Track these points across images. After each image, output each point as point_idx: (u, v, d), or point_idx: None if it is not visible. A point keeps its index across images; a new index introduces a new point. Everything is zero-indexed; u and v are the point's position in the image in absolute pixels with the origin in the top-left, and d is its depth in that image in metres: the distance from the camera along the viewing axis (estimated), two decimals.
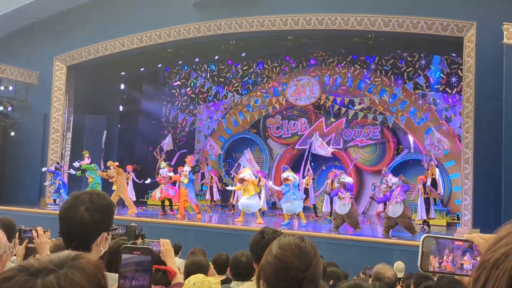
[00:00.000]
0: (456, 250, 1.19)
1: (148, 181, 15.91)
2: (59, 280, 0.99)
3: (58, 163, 16.36)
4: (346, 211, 11.93)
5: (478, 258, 1.17)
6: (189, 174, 14.00)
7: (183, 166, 14.47)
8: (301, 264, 1.73)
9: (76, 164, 15.56)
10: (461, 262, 1.19)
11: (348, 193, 12.06)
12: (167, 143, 18.58)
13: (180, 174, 14.16)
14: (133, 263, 1.33)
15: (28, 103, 17.30)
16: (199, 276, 3.24)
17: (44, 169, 16.26)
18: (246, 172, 13.53)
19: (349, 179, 12.53)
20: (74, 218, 2.05)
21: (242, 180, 13.32)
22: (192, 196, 14.16)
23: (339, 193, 12.10)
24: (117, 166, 14.86)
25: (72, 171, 15.76)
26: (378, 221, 15.78)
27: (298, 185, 14.29)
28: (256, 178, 14.03)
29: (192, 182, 14.25)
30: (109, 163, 14.94)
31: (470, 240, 1.18)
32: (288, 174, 13.62)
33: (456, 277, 1.21)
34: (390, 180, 11.67)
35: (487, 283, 0.80)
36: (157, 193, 14.72)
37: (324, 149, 16.44)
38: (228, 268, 4.31)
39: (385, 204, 15.76)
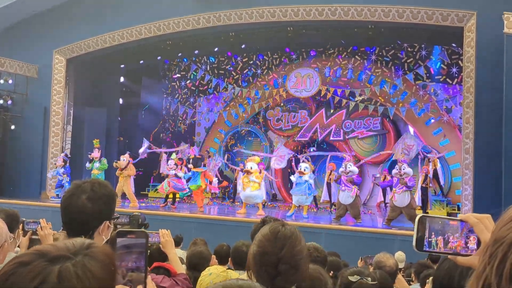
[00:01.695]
0: (451, 231, 1.20)
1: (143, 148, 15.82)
2: (76, 268, 1.00)
3: (66, 154, 16.18)
4: (351, 201, 11.95)
5: (473, 238, 1.18)
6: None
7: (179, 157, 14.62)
8: (274, 248, 1.78)
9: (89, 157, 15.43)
10: (456, 242, 1.19)
11: (355, 186, 12.09)
12: (142, 152, 17.59)
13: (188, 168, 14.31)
14: (128, 246, 1.34)
15: (28, 96, 17.29)
16: (220, 268, 3.24)
17: (49, 174, 16.11)
18: (253, 163, 13.44)
19: (354, 168, 12.49)
20: (76, 207, 2.05)
21: (248, 172, 13.26)
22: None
23: (345, 186, 12.05)
24: (132, 163, 14.90)
25: (88, 164, 15.56)
26: (378, 212, 15.83)
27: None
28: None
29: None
30: (124, 157, 14.91)
31: (464, 220, 1.19)
32: (305, 166, 13.25)
33: (449, 257, 1.22)
34: (404, 169, 11.58)
35: (506, 258, 0.80)
36: (164, 185, 14.71)
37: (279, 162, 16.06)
38: (230, 258, 4.33)
39: (384, 195, 15.89)
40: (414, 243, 1.21)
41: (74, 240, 1.08)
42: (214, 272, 3.18)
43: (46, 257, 1.00)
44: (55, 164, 16.04)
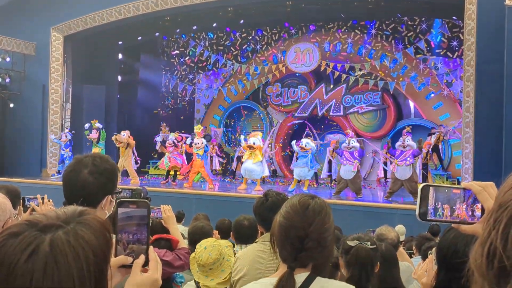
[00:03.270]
0: (455, 199, 1.19)
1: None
2: (67, 236, 0.98)
3: (70, 130, 16.06)
4: (351, 176, 11.97)
5: (477, 206, 1.17)
6: (205, 146, 13.99)
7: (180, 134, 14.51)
8: (303, 222, 1.74)
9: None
10: (459, 210, 1.19)
11: (356, 160, 12.09)
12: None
13: (192, 146, 14.13)
14: (130, 217, 1.31)
15: (26, 74, 17.20)
16: (211, 240, 3.25)
17: (56, 138, 16.04)
18: (257, 138, 13.34)
19: (357, 145, 12.48)
20: (77, 181, 2.04)
21: (251, 147, 13.20)
22: (208, 168, 14.25)
23: (347, 161, 12.06)
24: (130, 136, 14.82)
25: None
26: (378, 187, 15.89)
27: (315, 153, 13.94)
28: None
29: (206, 153, 14.24)
30: (124, 133, 14.83)
31: (468, 187, 1.18)
32: (307, 142, 13.19)
33: (453, 225, 1.21)
34: (407, 141, 11.58)
35: (511, 222, 0.79)
36: (165, 161, 14.68)
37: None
38: (231, 232, 4.35)
39: (385, 170, 15.92)
40: (417, 212, 1.20)
41: (65, 208, 1.06)
42: (207, 245, 3.20)
43: (36, 226, 0.98)
44: (60, 139, 15.97)
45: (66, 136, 15.70)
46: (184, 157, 14.90)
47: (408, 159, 11.34)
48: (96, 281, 1.00)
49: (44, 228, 0.98)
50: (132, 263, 1.30)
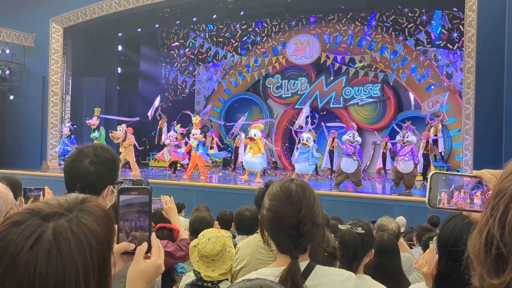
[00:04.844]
0: (465, 187, 1.19)
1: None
2: (70, 224, 0.98)
3: (73, 124, 16.02)
4: (353, 170, 11.98)
5: (488, 194, 1.17)
6: (200, 142, 14.01)
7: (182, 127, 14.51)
8: (291, 209, 1.71)
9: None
10: (470, 198, 1.18)
11: (357, 157, 12.11)
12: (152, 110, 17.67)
13: (189, 138, 14.15)
14: (132, 204, 1.31)
15: (26, 66, 17.17)
16: (214, 231, 3.25)
17: (57, 149, 15.96)
18: (257, 131, 13.34)
19: (359, 138, 12.48)
20: (79, 171, 2.04)
21: (251, 139, 13.19)
22: (206, 159, 14.32)
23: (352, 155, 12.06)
24: (131, 133, 14.84)
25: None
26: (378, 178, 15.90)
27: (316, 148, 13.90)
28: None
29: (203, 144, 14.25)
30: (120, 127, 14.82)
31: (479, 176, 1.18)
32: (308, 136, 13.12)
33: (464, 213, 1.21)
34: (407, 137, 11.58)
35: (508, 209, 0.79)
36: (165, 155, 14.70)
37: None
38: (233, 223, 4.36)
39: (384, 161, 15.93)
40: (426, 200, 1.20)
41: (67, 196, 1.06)
42: (211, 236, 3.20)
43: (39, 215, 0.98)
44: (61, 132, 15.96)
45: (68, 130, 15.64)
46: (184, 149, 14.91)
47: (408, 154, 11.36)
48: (100, 269, 1.01)
49: (47, 217, 0.98)
50: (135, 249, 1.30)
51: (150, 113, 16.74)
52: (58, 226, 0.97)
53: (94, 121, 15.13)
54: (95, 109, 15.49)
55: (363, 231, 2.61)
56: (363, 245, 2.62)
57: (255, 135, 13.15)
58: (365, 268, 2.76)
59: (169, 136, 15.01)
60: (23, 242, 0.94)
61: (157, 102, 17.03)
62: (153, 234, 1.33)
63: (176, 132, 15.09)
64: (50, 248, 0.94)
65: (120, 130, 14.60)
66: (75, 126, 16.06)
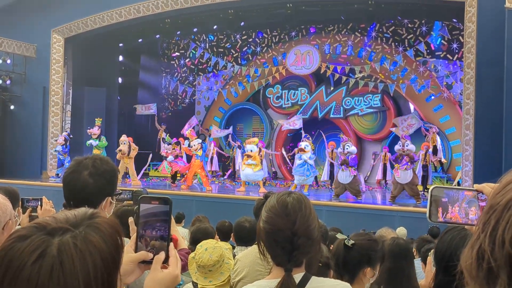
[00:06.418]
0: (465, 200, 1.19)
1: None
2: (75, 240, 0.98)
3: (69, 134, 15.95)
4: (349, 181, 11.95)
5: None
6: (203, 144, 13.99)
7: (183, 138, 14.51)
8: (286, 222, 1.72)
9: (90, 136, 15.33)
10: (466, 212, 1.18)
11: (351, 167, 12.06)
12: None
13: (191, 148, 14.12)
14: (152, 214, 1.31)
15: (27, 76, 17.22)
16: (211, 242, 3.25)
17: (55, 149, 15.91)
18: (252, 146, 13.34)
19: (353, 149, 12.46)
20: (78, 183, 2.05)
21: (249, 156, 13.24)
22: (206, 169, 14.30)
23: (344, 167, 12.02)
24: (132, 142, 14.91)
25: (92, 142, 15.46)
26: (379, 189, 15.88)
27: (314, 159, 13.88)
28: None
29: (204, 153, 14.24)
30: (125, 140, 14.88)
31: (480, 190, 1.18)
32: (306, 144, 13.10)
33: (467, 227, 1.21)
34: (407, 145, 11.58)
35: (498, 224, 0.79)
36: (166, 167, 14.68)
37: (290, 125, 16.22)
38: (232, 234, 4.35)
39: (384, 173, 15.91)
40: (427, 214, 1.20)
41: (76, 211, 1.06)
42: (208, 246, 3.20)
43: (45, 229, 0.98)
44: (55, 141, 15.97)
45: (64, 139, 15.57)
46: (185, 159, 14.91)
47: (408, 164, 11.36)
48: (104, 286, 1.00)
49: (53, 232, 0.98)
50: (153, 259, 1.30)
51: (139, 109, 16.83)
52: (63, 242, 0.96)
53: (95, 131, 15.16)
54: (96, 119, 15.52)
55: (352, 246, 2.54)
56: (350, 260, 2.53)
57: (251, 151, 13.17)
58: (380, 272, 2.66)
59: (166, 149, 14.97)
60: (27, 257, 0.94)
61: (152, 108, 17.19)
62: (171, 244, 1.33)
63: (170, 144, 15.09)
64: (53, 263, 0.94)
65: (124, 143, 14.64)
66: (71, 136, 16.03)
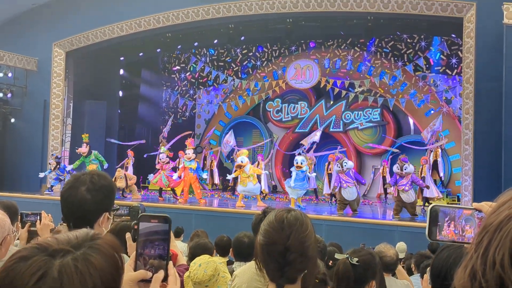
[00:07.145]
0: (463, 219, 1.20)
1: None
2: (76, 261, 0.98)
3: (57, 156, 15.81)
4: (354, 197, 11.93)
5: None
6: (197, 165, 13.98)
7: (184, 151, 14.44)
8: (281, 237, 1.72)
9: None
10: (465, 230, 1.19)
11: (355, 181, 12.05)
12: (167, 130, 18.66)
13: (183, 161, 14.11)
14: (151, 232, 1.30)
15: (28, 89, 17.26)
16: (205, 257, 3.24)
17: (41, 174, 15.74)
18: (243, 157, 13.29)
19: (350, 164, 12.42)
20: (75, 198, 2.05)
21: (239, 166, 13.17)
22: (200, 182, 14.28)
23: (347, 183, 11.95)
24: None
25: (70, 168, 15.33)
26: (379, 203, 15.85)
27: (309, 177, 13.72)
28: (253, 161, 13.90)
29: (199, 167, 14.19)
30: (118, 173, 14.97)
31: (478, 208, 1.18)
32: (302, 160, 13.05)
33: (465, 245, 1.21)
34: (405, 168, 11.56)
35: (490, 245, 0.80)
36: (163, 181, 14.53)
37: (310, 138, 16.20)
38: (231, 249, 4.34)
39: (385, 189, 15.87)
40: (426, 233, 1.21)
41: (77, 232, 1.07)
42: (201, 262, 3.19)
43: (46, 251, 0.99)
44: (49, 164, 15.91)
45: (55, 164, 15.43)
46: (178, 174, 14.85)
47: (408, 184, 11.35)
48: None
49: (54, 253, 0.99)
50: (152, 277, 1.30)
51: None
52: (63, 264, 0.97)
53: (83, 149, 15.01)
54: (82, 135, 15.36)
55: (357, 263, 2.57)
56: (358, 277, 2.57)
57: (242, 161, 13.13)
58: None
59: (161, 159, 14.81)
60: (28, 278, 0.95)
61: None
62: (170, 262, 1.33)
63: (164, 153, 15.05)
64: (54, 285, 0.95)
65: (121, 177, 14.72)
66: (59, 157, 15.97)
